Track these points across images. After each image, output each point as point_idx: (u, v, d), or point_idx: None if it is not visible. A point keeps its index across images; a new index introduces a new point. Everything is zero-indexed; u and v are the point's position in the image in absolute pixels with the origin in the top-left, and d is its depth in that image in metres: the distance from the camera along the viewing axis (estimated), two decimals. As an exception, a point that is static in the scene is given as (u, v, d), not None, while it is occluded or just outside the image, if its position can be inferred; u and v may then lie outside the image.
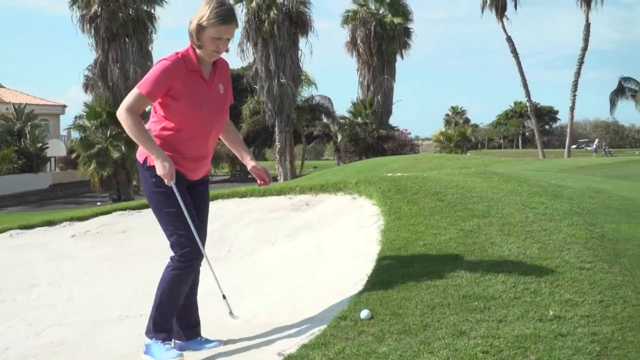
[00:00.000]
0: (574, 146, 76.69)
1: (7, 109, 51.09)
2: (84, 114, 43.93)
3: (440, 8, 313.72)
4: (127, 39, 45.13)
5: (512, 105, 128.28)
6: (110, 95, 44.71)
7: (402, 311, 4.43)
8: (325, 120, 59.90)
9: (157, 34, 47.44)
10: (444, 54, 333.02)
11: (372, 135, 53.13)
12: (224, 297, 5.06)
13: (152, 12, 46.57)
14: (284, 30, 46.39)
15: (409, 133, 62.35)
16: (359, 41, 54.66)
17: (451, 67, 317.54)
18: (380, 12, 54.91)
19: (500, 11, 57.70)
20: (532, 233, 6.03)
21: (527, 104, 64.19)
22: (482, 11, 58.39)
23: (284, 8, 46.97)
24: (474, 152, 76.93)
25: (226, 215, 8.58)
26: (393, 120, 58.88)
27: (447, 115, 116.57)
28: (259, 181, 5.03)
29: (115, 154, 42.04)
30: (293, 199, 8.87)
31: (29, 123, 50.34)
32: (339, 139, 57.51)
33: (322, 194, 8.82)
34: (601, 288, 4.69)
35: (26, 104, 52.54)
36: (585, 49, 57.32)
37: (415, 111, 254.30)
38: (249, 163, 4.97)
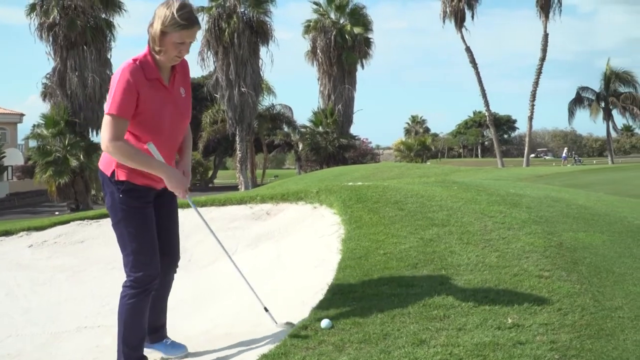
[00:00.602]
0: (532, 155, 77.52)
1: (-37, 117, 50.39)
2: (42, 122, 43.42)
3: (399, 18, 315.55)
4: (85, 47, 44.62)
5: (472, 114, 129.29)
6: (68, 103, 44.17)
7: (363, 320, 4.44)
8: (286, 129, 59.85)
9: (116, 42, 47.00)
10: (404, 63, 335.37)
11: (333, 144, 53.17)
12: (266, 309, 4.93)
13: (111, 20, 46.16)
14: (245, 39, 46.26)
15: (370, 142, 62.50)
16: (319, 51, 54.71)
17: (411, 77, 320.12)
18: (341, 21, 55.04)
19: (460, 22, 58.16)
20: (491, 242, 6.08)
21: (486, 114, 64.70)
22: (443, 21, 58.77)
23: (244, 17, 46.85)
24: (434, 161, 77.30)
25: (186, 225, 8.50)
26: (354, 130, 59.12)
27: (407, 124, 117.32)
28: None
29: (74, 163, 41.53)
30: (254, 208, 8.85)
31: (-14, 132, 49.70)
32: (300, 148, 57.46)
33: (283, 203, 8.80)
34: (559, 296, 4.75)
35: (-18, 112, 51.92)
36: (543, 59, 57.93)
37: (376, 120, 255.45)
38: (180, 162, 4.76)
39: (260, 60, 48.82)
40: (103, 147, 4.29)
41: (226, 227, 8.30)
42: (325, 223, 7.47)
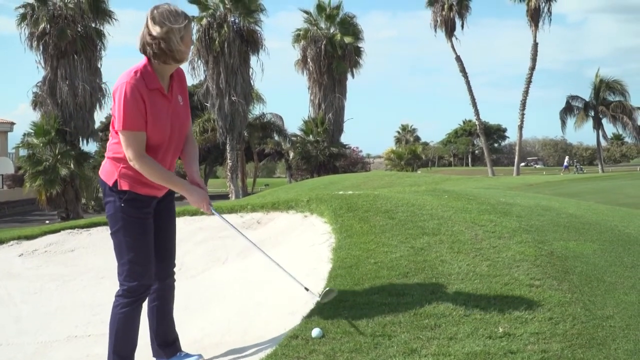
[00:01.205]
0: (522, 164, 77.77)
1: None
2: (33, 131, 43.30)
3: (390, 28, 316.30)
4: (76, 56, 44.52)
5: (462, 123, 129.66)
6: (59, 112, 44.05)
7: (354, 329, 4.43)
8: (277, 137, 59.82)
9: (106, 51, 46.91)
10: (394, 72, 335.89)
11: (323, 153, 53.18)
12: (307, 289, 4.97)
13: (102, 29, 46.09)
14: (235, 48, 46.24)
15: (361, 151, 62.59)
16: (309, 60, 54.74)
17: (401, 86, 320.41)
18: (331, 31, 55.12)
19: (450, 31, 58.43)
20: (482, 250, 6.08)
21: (476, 123, 64.89)
22: (435, 30, 59.07)
23: (235, 26, 46.84)
24: (425, 170, 77.42)
25: (177, 234, 8.51)
26: (344, 138, 59.14)
27: (398, 133, 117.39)
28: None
29: (64, 171, 41.39)
30: (244, 217, 8.84)
31: (-24, 141, 49.51)
32: (290, 157, 57.45)
33: (273, 212, 8.80)
34: (550, 305, 4.75)
35: (-27, 121, 51.73)
36: (533, 68, 58.17)
37: (367, 129, 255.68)
38: (190, 176, 4.78)
39: (251, 69, 48.84)
40: (132, 164, 4.34)
41: (216, 236, 8.29)
42: (315, 232, 7.46)
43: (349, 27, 55.20)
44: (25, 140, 44.12)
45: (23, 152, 46.35)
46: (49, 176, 41.25)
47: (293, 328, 4.63)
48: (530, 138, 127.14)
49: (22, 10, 44.24)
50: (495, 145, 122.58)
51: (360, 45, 56.61)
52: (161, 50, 4.30)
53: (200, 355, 4.87)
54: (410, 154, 69.34)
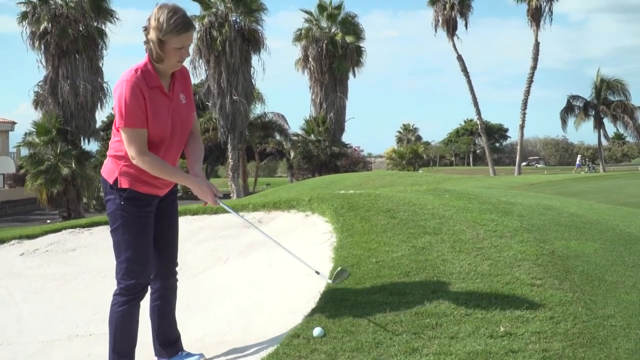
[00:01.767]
0: (524, 163, 77.72)
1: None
2: (34, 130, 43.31)
3: (391, 27, 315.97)
4: (77, 56, 44.53)
5: (463, 123, 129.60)
6: (60, 111, 44.05)
7: (355, 329, 4.43)
8: (278, 137, 59.88)
9: (108, 50, 46.91)
10: (396, 72, 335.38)
11: (325, 153, 53.17)
12: (317, 272, 4.95)
13: (103, 28, 46.09)
14: (236, 47, 46.23)
15: (362, 150, 62.50)
16: (311, 59, 54.71)
17: (403, 85, 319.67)
18: (332, 30, 55.11)
19: (451, 30, 58.45)
20: (483, 250, 6.08)
21: (478, 122, 64.87)
22: (435, 30, 59.12)
23: (236, 25, 46.82)
24: (426, 169, 77.30)
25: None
26: (346, 138, 59.09)
27: (399, 132, 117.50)
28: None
29: (65, 171, 41.41)
30: (246, 217, 8.84)
31: (-23, 140, 49.52)
32: (292, 156, 57.44)
33: (275, 211, 8.80)
34: (552, 304, 4.75)
35: (-27, 121, 51.74)
36: (534, 67, 58.16)
37: (368, 129, 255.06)
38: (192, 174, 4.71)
39: (252, 69, 48.86)
40: (135, 162, 4.38)
41: (218, 235, 8.29)
42: (317, 231, 7.46)
43: (350, 26, 55.18)
44: (27, 140, 44.17)
45: (24, 151, 46.40)
46: (50, 175, 41.27)
47: (294, 327, 4.63)
48: (532, 137, 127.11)
49: (23, 8, 44.28)
50: (497, 144, 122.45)
51: (361, 44, 56.59)
52: (156, 52, 4.36)
53: (201, 355, 4.87)
54: (412, 153, 69.35)
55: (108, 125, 72.02)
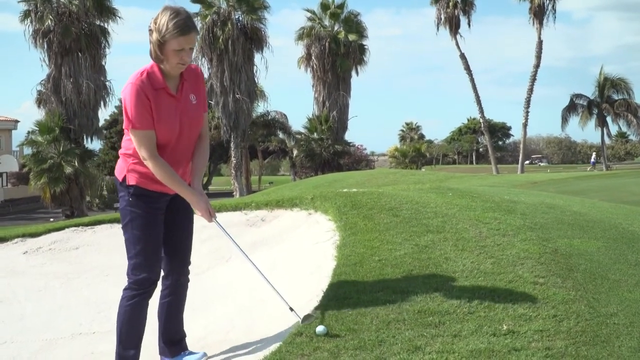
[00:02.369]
0: (527, 162, 77.64)
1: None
2: (37, 129, 43.37)
3: (394, 25, 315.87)
4: (80, 54, 44.58)
5: (466, 121, 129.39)
6: (63, 110, 44.12)
7: (358, 327, 4.43)
8: (281, 135, 59.92)
9: (111, 49, 46.99)
10: (398, 70, 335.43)
11: (328, 151, 53.21)
12: (291, 309, 4.80)
13: (106, 27, 46.12)
14: (239, 45, 46.28)
15: (365, 149, 62.53)
16: (313, 57, 54.74)
17: (405, 83, 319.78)
18: (335, 28, 55.13)
19: (454, 28, 58.38)
20: (486, 248, 6.07)
21: (481, 120, 64.81)
22: (437, 28, 59.07)
23: (238, 24, 46.88)
24: (429, 167, 77.43)
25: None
26: (349, 136, 59.12)
27: (402, 131, 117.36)
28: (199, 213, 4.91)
29: (68, 169, 41.48)
30: (249, 215, 8.84)
31: (-20, 139, 49.62)
32: (294, 155, 57.47)
33: (277, 210, 8.80)
34: (554, 303, 4.74)
35: (-23, 119, 51.84)
36: (537, 65, 58.08)
37: (371, 127, 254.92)
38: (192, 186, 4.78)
39: (255, 67, 48.90)
40: (145, 162, 4.43)
41: (221, 234, 8.27)
42: (320, 229, 7.46)
43: (353, 24, 55.24)
44: (30, 138, 44.30)
45: (27, 150, 46.52)
46: (53, 174, 41.37)
47: (297, 325, 4.63)
48: (535, 136, 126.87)
49: (25, 6, 44.29)
50: (500, 143, 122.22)
51: (364, 42, 56.64)
52: (155, 53, 4.38)
53: (204, 353, 4.88)
54: (415, 151, 69.46)
55: (111, 123, 72.25)
